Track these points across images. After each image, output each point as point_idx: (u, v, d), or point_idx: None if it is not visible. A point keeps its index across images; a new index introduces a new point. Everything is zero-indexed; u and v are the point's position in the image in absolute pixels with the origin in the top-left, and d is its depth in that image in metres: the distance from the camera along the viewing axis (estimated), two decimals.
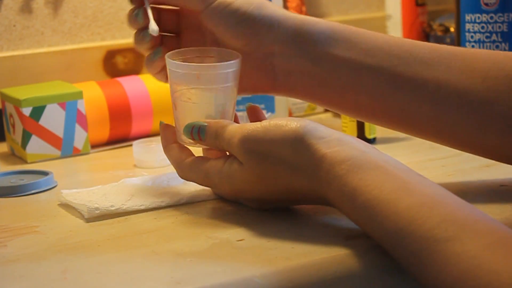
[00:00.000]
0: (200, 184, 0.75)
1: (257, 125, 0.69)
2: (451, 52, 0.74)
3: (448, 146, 0.76)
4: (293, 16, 0.76)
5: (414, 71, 0.73)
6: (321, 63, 0.75)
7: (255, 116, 0.77)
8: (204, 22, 0.76)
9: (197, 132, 0.72)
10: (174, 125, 0.76)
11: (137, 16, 0.76)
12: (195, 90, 0.73)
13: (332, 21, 0.76)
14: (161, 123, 0.77)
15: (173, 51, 0.75)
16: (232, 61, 0.73)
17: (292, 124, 0.67)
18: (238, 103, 1.02)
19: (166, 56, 0.74)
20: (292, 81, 0.76)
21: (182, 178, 0.75)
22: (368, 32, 0.75)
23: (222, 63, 0.73)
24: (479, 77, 0.72)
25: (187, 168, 0.74)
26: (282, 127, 0.67)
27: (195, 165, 0.73)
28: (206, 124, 0.72)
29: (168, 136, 0.76)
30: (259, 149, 0.68)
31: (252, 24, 0.75)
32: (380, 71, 0.74)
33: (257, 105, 0.78)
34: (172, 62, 0.74)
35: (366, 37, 0.75)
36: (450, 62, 0.73)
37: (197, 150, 0.76)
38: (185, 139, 0.74)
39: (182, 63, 0.74)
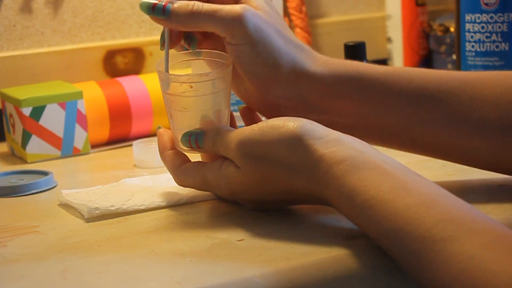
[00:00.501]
0: (197, 189, 0.75)
1: (253, 128, 0.68)
2: (462, 81, 0.73)
3: (468, 166, 0.77)
4: (304, 68, 0.74)
5: (425, 108, 0.73)
6: (327, 114, 0.75)
7: (248, 116, 0.77)
8: (228, 47, 0.74)
9: (194, 140, 0.72)
10: (171, 130, 0.76)
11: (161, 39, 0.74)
12: (189, 99, 0.73)
13: (341, 66, 0.74)
14: (158, 128, 0.77)
15: (162, 59, 0.74)
16: (223, 68, 0.73)
17: (289, 124, 0.67)
18: (236, 103, 1.02)
19: (156, 66, 0.74)
20: None
21: (179, 184, 0.75)
22: (376, 74, 0.74)
23: (213, 71, 0.73)
24: (490, 105, 0.72)
25: (183, 174, 0.74)
26: (279, 128, 0.67)
27: (191, 170, 0.73)
28: (203, 131, 0.72)
29: (164, 142, 0.76)
30: (256, 152, 0.68)
31: (266, 78, 0.73)
32: (389, 117, 0.74)
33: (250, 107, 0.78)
34: (163, 74, 0.73)
35: (373, 81, 0.73)
36: (461, 93, 0.73)
37: (194, 156, 0.76)
38: (183, 147, 0.74)
39: (173, 74, 0.73)
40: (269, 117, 0.76)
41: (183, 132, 0.73)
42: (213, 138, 0.71)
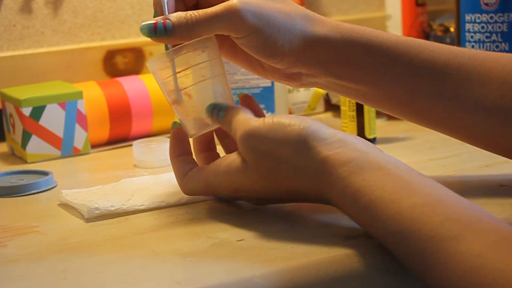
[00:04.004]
0: (203, 194, 0.75)
1: (260, 122, 0.68)
2: (471, 57, 0.74)
3: (468, 144, 0.77)
4: (315, 35, 0.74)
5: (432, 81, 0.73)
6: (343, 79, 0.75)
7: (248, 105, 0.77)
8: (235, 41, 0.74)
9: (217, 112, 0.73)
10: (184, 130, 0.75)
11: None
12: (192, 87, 0.73)
13: (353, 32, 0.74)
14: (173, 125, 0.77)
15: (152, 58, 0.74)
16: (201, 38, 0.72)
17: (295, 124, 0.67)
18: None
19: (148, 65, 0.74)
20: (318, 86, 0.78)
21: (185, 193, 0.75)
22: (388, 42, 0.74)
23: (191, 41, 0.72)
24: (495, 83, 0.72)
25: (188, 182, 0.74)
26: (285, 127, 0.67)
27: (194, 176, 0.73)
28: (226, 107, 0.72)
29: (177, 146, 0.75)
30: (261, 147, 0.68)
31: (282, 55, 0.74)
32: (396, 86, 0.74)
33: (250, 94, 0.78)
34: (151, 64, 0.73)
35: (384, 50, 0.74)
36: (469, 69, 0.73)
37: None
38: (193, 135, 0.74)
39: (158, 57, 0.73)
40: (291, 85, 0.78)
41: (190, 118, 0.73)
42: (231, 119, 0.71)
